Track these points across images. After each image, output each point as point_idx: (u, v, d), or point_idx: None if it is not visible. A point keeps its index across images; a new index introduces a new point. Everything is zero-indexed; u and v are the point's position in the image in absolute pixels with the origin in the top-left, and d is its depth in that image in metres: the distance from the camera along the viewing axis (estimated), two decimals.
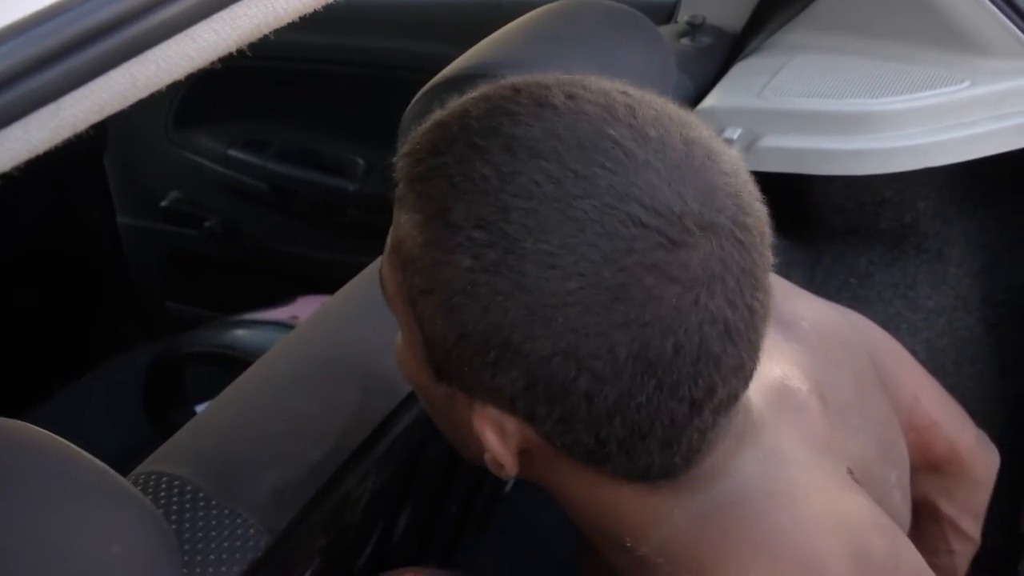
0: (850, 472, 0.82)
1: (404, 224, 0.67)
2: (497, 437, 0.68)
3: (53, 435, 0.66)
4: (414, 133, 0.69)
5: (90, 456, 0.67)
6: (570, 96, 0.64)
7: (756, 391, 0.77)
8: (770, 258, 0.66)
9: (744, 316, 0.63)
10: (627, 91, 0.66)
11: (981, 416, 1.52)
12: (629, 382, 0.62)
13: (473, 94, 0.68)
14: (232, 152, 2.05)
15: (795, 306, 0.90)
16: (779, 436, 0.76)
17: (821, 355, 0.87)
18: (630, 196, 0.60)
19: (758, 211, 0.65)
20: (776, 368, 0.82)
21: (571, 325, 0.60)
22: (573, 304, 0.60)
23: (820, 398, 0.83)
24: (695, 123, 0.66)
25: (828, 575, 0.70)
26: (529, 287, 0.60)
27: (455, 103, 0.68)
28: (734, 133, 1.33)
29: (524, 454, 0.71)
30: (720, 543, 0.71)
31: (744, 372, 0.67)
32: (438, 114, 0.68)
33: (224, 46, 0.53)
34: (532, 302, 0.60)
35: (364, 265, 1.10)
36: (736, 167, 0.65)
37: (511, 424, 0.67)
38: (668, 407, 0.63)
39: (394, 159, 0.70)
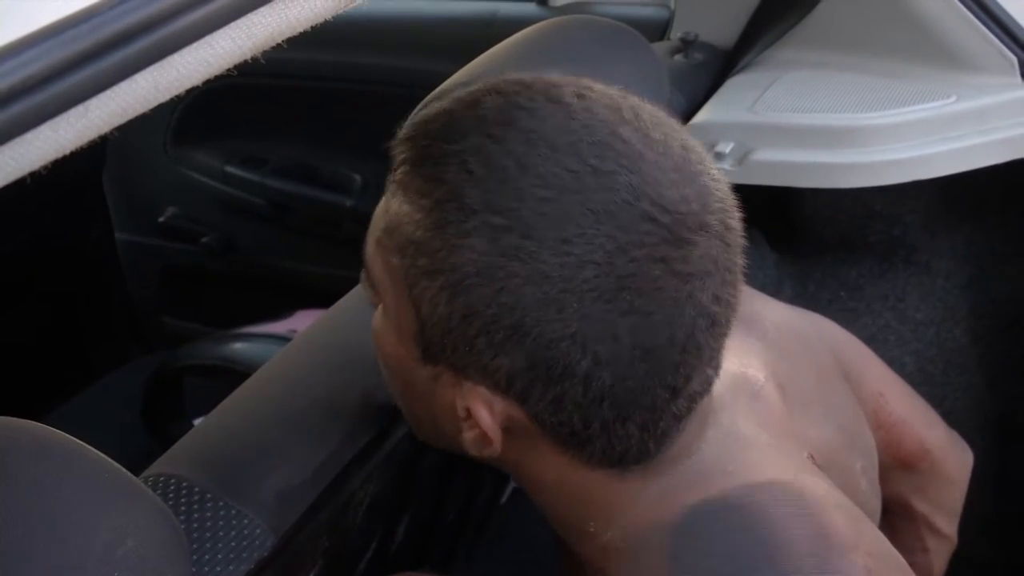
0: (811, 457, 0.84)
1: (404, 209, 0.69)
2: (488, 414, 0.71)
3: (67, 435, 0.68)
4: (414, 119, 0.71)
5: (103, 455, 0.69)
6: (580, 96, 0.68)
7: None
8: (743, 260, 0.71)
9: (725, 312, 0.68)
10: (626, 95, 0.70)
11: (970, 426, 1.54)
12: (625, 368, 0.65)
13: (478, 87, 0.70)
14: (229, 168, 2.07)
15: (756, 306, 0.94)
16: (736, 419, 0.79)
17: (780, 349, 0.90)
18: (644, 193, 0.64)
19: (738, 217, 0.70)
20: (734, 358, 0.84)
21: (583, 311, 0.63)
22: (587, 291, 0.63)
23: (778, 387, 0.86)
24: (686, 131, 0.71)
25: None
26: (547, 272, 0.63)
27: (460, 94, 0.71)
28: (726, 147, 1.34)
29: (503, 433, 0.73)
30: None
31: (716, 361, 0.71)
32: (443, 103, 0.70)
33: (240, 53, 0.55)
34: (549, 287, 0.63)
35: None
36: (720, 175, 0.70)
37: (499, 404, 0.70)
38: (652, 392, 0.67)
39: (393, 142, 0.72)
